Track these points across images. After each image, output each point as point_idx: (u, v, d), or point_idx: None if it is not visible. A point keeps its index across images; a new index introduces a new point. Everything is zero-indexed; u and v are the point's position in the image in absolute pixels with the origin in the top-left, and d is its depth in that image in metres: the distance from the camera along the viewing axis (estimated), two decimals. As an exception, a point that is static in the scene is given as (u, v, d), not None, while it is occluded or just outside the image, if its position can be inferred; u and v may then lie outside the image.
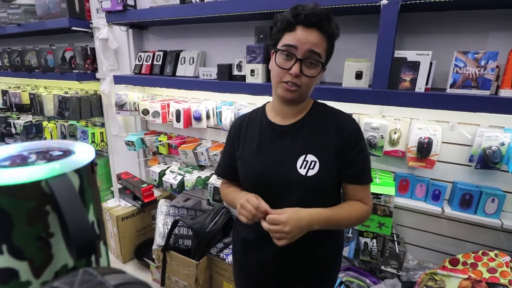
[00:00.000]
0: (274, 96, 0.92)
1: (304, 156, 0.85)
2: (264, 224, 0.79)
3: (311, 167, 0.84)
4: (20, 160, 0.27)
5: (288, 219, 0.77)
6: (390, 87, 1.18)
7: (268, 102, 1.01)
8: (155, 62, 1.99)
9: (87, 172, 0.27)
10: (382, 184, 1.28)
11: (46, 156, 0.28)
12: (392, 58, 1.15)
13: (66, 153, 0.28)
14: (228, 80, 1.57)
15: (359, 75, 1.26)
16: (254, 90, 1.47)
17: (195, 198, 2.17)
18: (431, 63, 1.15)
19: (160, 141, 2.02)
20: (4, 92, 2.96)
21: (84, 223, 0.23)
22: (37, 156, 0.28)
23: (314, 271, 0.97)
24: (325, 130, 0.88)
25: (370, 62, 1.25)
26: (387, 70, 1.16)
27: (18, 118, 2.99)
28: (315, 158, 0.85)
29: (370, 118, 1.37)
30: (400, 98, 1.15)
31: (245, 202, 0.82)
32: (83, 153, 0.28)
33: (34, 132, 2.90)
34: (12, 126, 2.96)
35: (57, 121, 2.56)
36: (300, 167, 0.85)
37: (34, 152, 0.29)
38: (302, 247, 0.86)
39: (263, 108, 0.99)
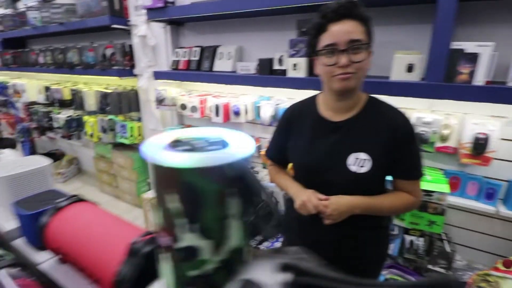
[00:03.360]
0: (327, 91, 0.91)
1: (356, 153, 0.86)
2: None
3: (363, 165, 0.85)
4: (199, 146, 0.29)
5: (330, 204, 0.85)
6: (446, 80, 1.13)
7: (319, 93, 0.99)
8: (192, 58, 2.02)
9: (252, 157, 0.28)
10: (434, 181, 1.24)
11: (211, 143, 0.30)
12: (448, 50, 1.10)
13: (222, 140, 0.30)
14: (268, 74, 1.57)
15: (410, 68, 1.21)
16: (296, 84, 1.46)
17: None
18: (492, 55, 1.09)
19: (197, 135, 2.07)
20: (47, 88, 3.13)
21: (275, 203, 0.25)
22: (209, 143, 0.30)
23: (361, 260, 0.99)
24: (378, 128, 0.87)
25: (422, 55, 1.20)
26: (443, 63, 1.11)
27: (59, 113, 3.16)
28: (367, 156, 0.85)
29: (421, 113, 1.32)
30: (458, 91, 1.10)
31: (307, 202, 0.87)
32: (244, 140, 0.29)
33: (74, 126, 3.06)
34: (54, 120, 3.14)
35: (97, 116, 2.68)
36: (352, 165, 0.86)
37: (202, 140, 0.31)
38: (350, 235, 0.92)
39: (314, 100, 0.99)
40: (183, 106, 1.98)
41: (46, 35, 3.10)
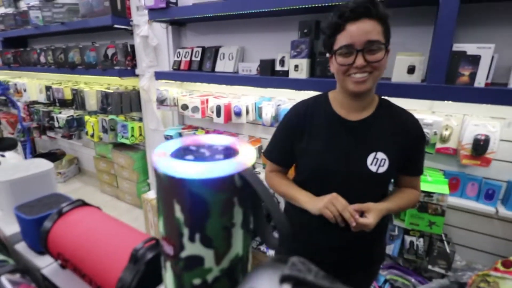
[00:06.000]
0: (341, 90, 0.90)
1: (374, 153, 0.87)
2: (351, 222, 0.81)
3: (381, 164, 0.86)
4: (199, 155, 0.29)
5: (374, 223, 0.82)
6: (447, 82, 1.14)
7: (330, 91, 0.97)
8: (193, 58, 2.03)
9: (253, 165, 0.28)
10: (434, 182, 1.24)
11: (217, 151, 0.30)
12: (450, 51, 1.11)
13: (229, 148, 0.30)
14: (270, 75, 1.58)
15: (411, 70, 1.22)
16: (298, 85, 1.47)
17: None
18: (492, 57, 1.10)
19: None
20: (48, 88, 3.13)
21: (281, 212, 0.25)
22: (210, 151, 0.30)
23: (367, 261, 1.01)
24: (393, 128, 0.89)
25: (424, 56, 1.21)
26: (445, 65, 1.12)
27: (60, 113, 3.16)
28: (385, 156, 0.87)
29: (422, 114, 1.33)
30: (459, 93, 1.11)
31: (335, 201, 0.83)
32: (245, 148, 0.29)
33: (75, 126, 3.06)
34: (55, 120, 3.13)
35: (98, 116, 2.69)
36: (371, 164, 0.86)
37: (201, 147, 0.31)
38: (363, 237, 0.89)
39: (325, 98, 0.95)
40: (185, 107, 1.99)
41: (47, 34, 3.10)
